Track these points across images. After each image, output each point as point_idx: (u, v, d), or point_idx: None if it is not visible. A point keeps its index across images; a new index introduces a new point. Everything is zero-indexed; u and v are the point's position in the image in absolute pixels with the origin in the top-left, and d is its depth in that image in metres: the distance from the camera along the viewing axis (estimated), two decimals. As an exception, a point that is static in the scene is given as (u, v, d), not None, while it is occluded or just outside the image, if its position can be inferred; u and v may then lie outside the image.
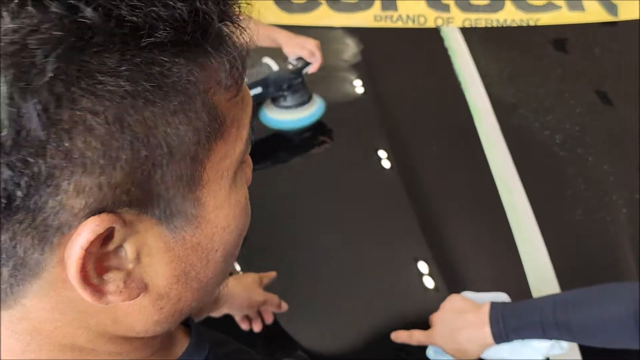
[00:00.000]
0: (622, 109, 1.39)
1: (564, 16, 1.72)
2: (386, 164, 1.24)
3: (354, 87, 1.46)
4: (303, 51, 1.24)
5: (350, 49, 1.57)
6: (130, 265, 0.30)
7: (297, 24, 1.69)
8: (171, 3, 0.27)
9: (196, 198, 0.32)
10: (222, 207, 0.34)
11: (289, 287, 0.97)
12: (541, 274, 1.02)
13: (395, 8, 1.74)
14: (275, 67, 1.23)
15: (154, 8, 0.27)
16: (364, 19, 1.72)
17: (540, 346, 0.77)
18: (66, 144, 0.25)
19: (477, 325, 0.78)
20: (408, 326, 0.85)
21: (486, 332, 0.77)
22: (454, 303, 0.83)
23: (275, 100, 1.28)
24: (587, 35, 1.65)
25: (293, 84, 1.25)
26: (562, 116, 1.34)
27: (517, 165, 1.20)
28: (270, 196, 1.13)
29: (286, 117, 1.28)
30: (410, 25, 1.71)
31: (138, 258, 0.30)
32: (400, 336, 0.85)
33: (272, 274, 0.92)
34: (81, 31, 0.25)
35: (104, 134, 0.26)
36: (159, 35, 0.27)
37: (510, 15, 1.72)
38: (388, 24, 1.71)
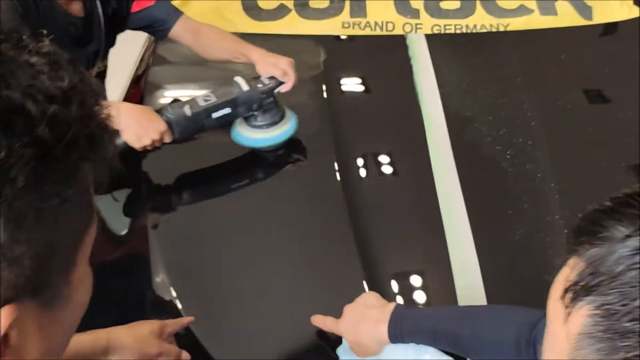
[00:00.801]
0: (581, 121, 1.36)
1: (535, 21, 1.69)
2: (333, 175, 1.23)
3: (312, 98, 1.45)
4: (276, 71, 1.22)
5: (315, 58, 1.56)
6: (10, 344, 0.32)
7: (265, 32, 1.69)
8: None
9: (70, 280, 0.35)
10: (82, 283, 0.37)
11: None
12: (471, 293, 1.01)
13: (364, 14, 1.72)
14: (245, 87, 1.21)
15: None
16: (332, 25, 1.71)
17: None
18: None
19: (378, 321, 0.81)
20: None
21: (383, 329, 0.79)
22: (367, 298, 0.86)
23: (247, 119, 1.26)
24: (555, 40, 1.61)
25: (264, 104, 1.23)
26: (516, 129, 1.32)
27: (463, 181, 1.19)
28: (243, 214, 1.15)
29: (257, 135, 1.26)
30: (377, 32, 1.69)
31: (17, 338, 0.32)
32: (316, 319, 0.89)
33: (184, 320, 0.88)
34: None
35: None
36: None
37: (480, 20, 1.69)
38: (356, 32, 1.70)
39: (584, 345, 0.38)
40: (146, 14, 1.31)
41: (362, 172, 1.25)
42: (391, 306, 0.82)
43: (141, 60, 1.62)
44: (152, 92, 1.47)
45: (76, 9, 1.21)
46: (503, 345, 0.71)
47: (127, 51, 1.55)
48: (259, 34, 1.69)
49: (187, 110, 1.15)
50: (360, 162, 1.26)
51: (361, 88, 1.46)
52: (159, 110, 1.15)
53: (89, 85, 0.34)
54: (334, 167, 1.24)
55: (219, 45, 1.33)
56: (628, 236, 0.37)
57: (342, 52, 1.59)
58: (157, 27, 1.32)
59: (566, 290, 0.41)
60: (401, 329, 0.78)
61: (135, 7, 1.30)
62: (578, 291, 0.39)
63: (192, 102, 1.17)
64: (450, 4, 1.73)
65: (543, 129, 1.31)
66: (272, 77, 1.23)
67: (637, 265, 0.36)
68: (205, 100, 1.18)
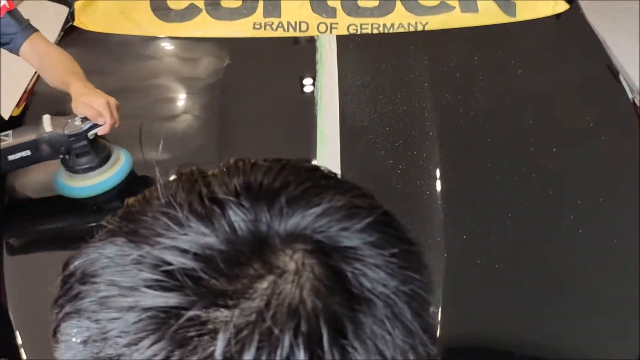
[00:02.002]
0: (483, 130, 1.29)
1: (455, 18, 1.60)
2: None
3: (205, 108, 1.38)
4: (89, 111, 1.08)
5: (216, 64, 1.48)
6: None
7: (172, 35, 1.62)
8: None
9: None
10: None
11: None
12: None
13: (278, 14, 1.64)
14: (48, 128, 1.08)
15: None
16: (244, 27, 1.62)
17: None
18: None
19: None
20: None
21: None
22: None
23: (65, 162, 1.14)
24: (471, 40, 1.53)
25: (74, 148, 1.10)
26: (412, 141, 1.25)
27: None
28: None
29: (75, 183, 1.14)
30: (290, 33, 1.61)
31: None
32: None
33: None
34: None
35: None
36: None
37: (399, 19, 1.61)
38: (267, 33, 1.61)
39: None
40: None
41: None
42: None
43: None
44: (36, 104, 1.39)
45: None
46: None
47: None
48: (165, 37, 1.61)
49: None
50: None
51: (258, 97, 1.39)
52: None
53: None
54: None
55: (54, 72, 1.20)
56: None
57: (246, 57, 1.50)
58: (4, 43, 1.19)
59: None
60: None
61: None
62: None
63: None
64: (369, 2, 1.64)
65: (439, 141, 1.23)
66: (86, 118, 1.09)
67: None
68: (1, 141, 1.06)
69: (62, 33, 1.63)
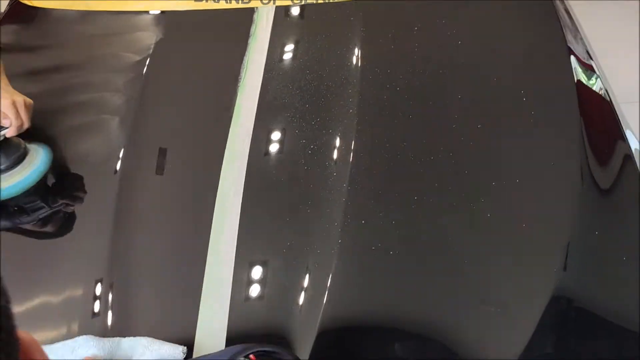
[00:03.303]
0: (407, 111, 1.22)
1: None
2: (113, 167, 1.15)
3: (128, 85, 1.35)
4: None
5: (151, 38, 1.44)
6: None
7: (116, 9, 1.58)
8: None
9: None
10: None
11: None
12: (212, 328, 0.93)
13: (223, -17, 1.58)
14: None
15: None
16: (185, -2, 1.57)
17: None
18: None
19: None
20: None
21: None
22: None
23: None
24: (414, 10, 1.44)
25: None
26: (329, 120, 1.19)
27: (248, 186, 1.09)
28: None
29: None
30: (232, 5, 1.55)
31: None
32: None
33: None
34: None
35: None
36: None
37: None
38: (209, 5, 1.56)
39: None
40: None
41: (149, 165, 1.16)
42: None
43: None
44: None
45: None
46: None
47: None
48: (107, 11, 1.58)
49: None
50: (151, 155, 1.17)
51: (185, 72, 1.35)
52: None
53: None
54: (118, 158, 1.16)
55: None
56: None
57: (182, 31, 1.46)
58: None
59: None
60: None
61: None
62: None
63: None
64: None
65: (357, 119, 1.18)
66: None
67: None
68: None
69: (7, 8, 1.62)
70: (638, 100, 2.52)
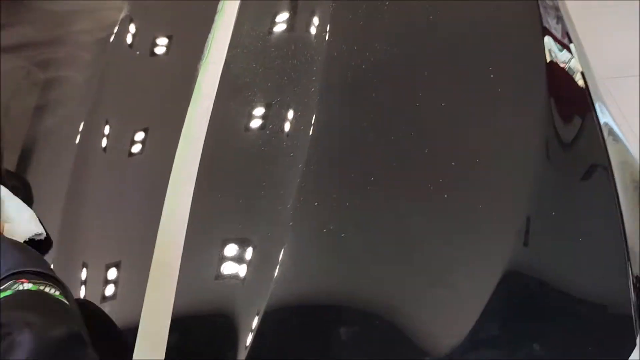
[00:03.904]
0: (371, 89, 1.19)
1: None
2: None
3: (95, 61, 1.32)
4: None
5: (109, 18, 1.42)
6: None
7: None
8: None
9: None
10: None
11: None
12: (158, 310, 0.92)
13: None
14: None
15: None
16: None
17: None
18: None
19: None
20: None
21: None
22: None
23: None
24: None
25: None
26: (290, 99, 1.16)
27: (203, 165, 1.07)
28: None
29: None
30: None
31: None
32: None
33: None
34: None
35: None
36: None
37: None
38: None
39: None
40: None
41: (104, 143, 1.15)
42: None
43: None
44: None
45: None
46: None
47: None
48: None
49: None
50: (106, 132, 1.16)
51: (146, 48, 1.32)
52: None
53: None
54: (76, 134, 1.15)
55: None
56: None
57: (146, 6, 1.42)
58: None
59: None
60: None
61: None
62: None
63: None
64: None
65: (318, 98, 1.15)
66: None
67: None
68: None
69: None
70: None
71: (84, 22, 1.43)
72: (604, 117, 1.16)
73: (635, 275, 0.97)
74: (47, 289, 0.69)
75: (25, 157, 1.19)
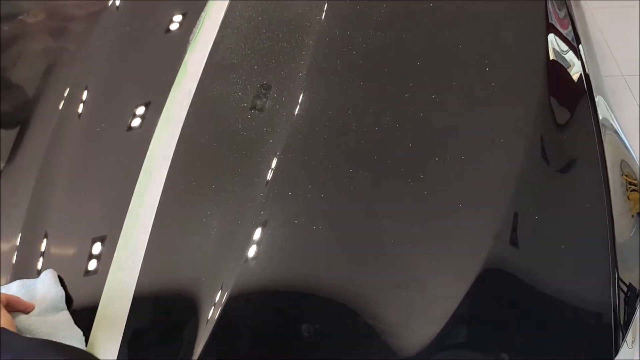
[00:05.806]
0: (360, 75, 1.15)
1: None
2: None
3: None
4: None
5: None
6: None
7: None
8: None
9: None
10: None
11: None
12: (120, 290, 0.90)
13: None
14: None
15: None
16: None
17: None
18: None
19: None
20: None
21: None
22: None
23: None
24: None
25: None
26: (277, 83, 1.13)
27: (179, 148, 1.04)
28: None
29: None
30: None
31: None
32: None
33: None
34: None
35: None
36: None
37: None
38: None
39: None
40: None
41: (85, 120, 1.13)
42: None
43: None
44: None
45: None
46: None
47: None
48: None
49: None
50: (88, 110, 1.14)
51: (136, 28, 1.29)
52: None
53: None
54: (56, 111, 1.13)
55: None
56: None
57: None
58: None
59: None
60: None
61: None
62: None
63: None
64: None
65: (305, 83, 1.11)
66: None
67: None
68: None
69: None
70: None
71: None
72: (604, 117, 1.11)
73: (627, 282, 0.92)
74: None
75: (6, 123, 1.18)
